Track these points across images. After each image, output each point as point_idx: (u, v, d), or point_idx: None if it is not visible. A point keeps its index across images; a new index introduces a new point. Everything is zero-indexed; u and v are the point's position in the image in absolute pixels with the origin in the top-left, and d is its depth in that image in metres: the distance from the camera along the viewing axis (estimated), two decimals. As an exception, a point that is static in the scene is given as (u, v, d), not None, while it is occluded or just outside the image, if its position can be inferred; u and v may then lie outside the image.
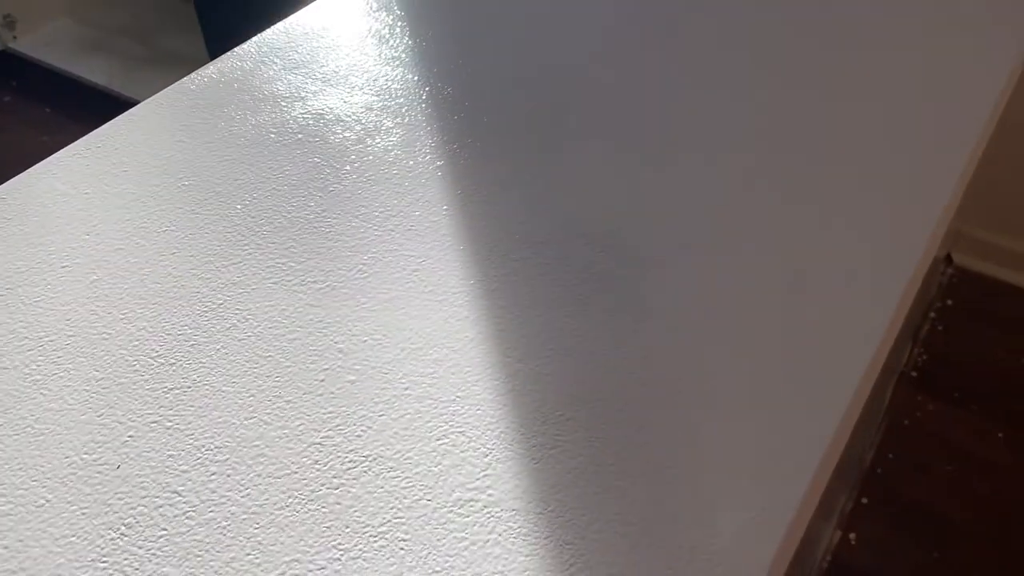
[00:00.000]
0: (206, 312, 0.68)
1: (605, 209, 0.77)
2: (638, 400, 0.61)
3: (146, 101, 0.90)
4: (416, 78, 0.94)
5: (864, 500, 1.80)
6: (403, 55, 0.98)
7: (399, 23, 1.03)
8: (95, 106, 2.70)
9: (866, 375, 0.64)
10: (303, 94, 0.92)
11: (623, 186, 0.79)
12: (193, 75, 0.94)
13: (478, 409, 0.61)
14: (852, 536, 1.75)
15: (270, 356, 0.65)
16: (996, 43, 0.98)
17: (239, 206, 0.78)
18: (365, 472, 0.57)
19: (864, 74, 0.94)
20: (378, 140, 0.85)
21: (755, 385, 0.62)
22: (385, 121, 0.88)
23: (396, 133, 0.86)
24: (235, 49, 0.99)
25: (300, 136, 0.86)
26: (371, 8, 1.06)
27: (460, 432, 0.60)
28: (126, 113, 0.89)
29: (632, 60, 0.97)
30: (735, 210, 0.77)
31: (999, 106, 0.92)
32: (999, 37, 1.00)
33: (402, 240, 0.74)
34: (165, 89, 0.91)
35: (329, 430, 0.60)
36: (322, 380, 0.63)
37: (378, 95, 0.92)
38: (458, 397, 0.62)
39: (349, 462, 0.58)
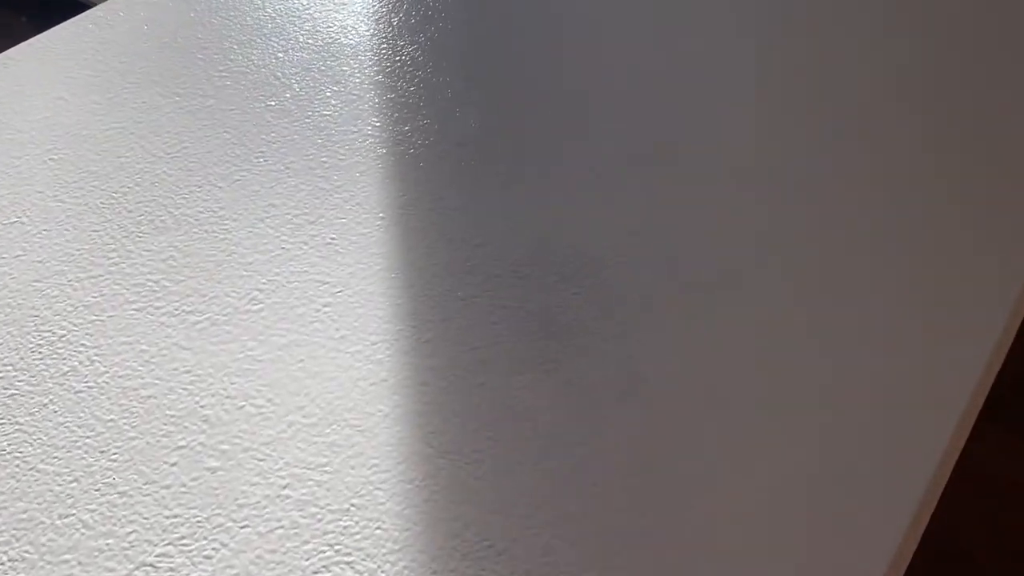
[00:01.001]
0: (39, 348, 0.51)
1: (586, 236, 0.58)
2: (621, 526, 0.44)
3: (23, 44, 0.71)
4: (370, 32, 0.75)
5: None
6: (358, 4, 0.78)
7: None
8: None
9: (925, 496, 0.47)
10: (225, 45, 0.73)
11: (613, 209, 0.61)
12: (87, 13, 0.74)
13: (378, 528, 0.44)
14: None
15: (110, 420, 0.48)
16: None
17: (116, 194, 0.60)
18: (205, 619, 0.41)
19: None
20: (310, 114, 0.67)
21: (791, 496, 0.45)
22: (325, 88, 0.69)
23: (335, 106, 0.67)
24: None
25: (212, 102, 0.67)
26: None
27: (348, 563, 0.43)
28: (-1, 56, 0.71)
29: (634, 67, 0.77)
30: (753, 247, 0.58)
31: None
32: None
33: (316, 258, 0.56)
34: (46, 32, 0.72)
35: (169, 544, 0.43)
36: (173, 464, 0.46)
37: (319, 53, 0.72)
38: (352, 507, 0.45)
39: (186, 600, 0.41)
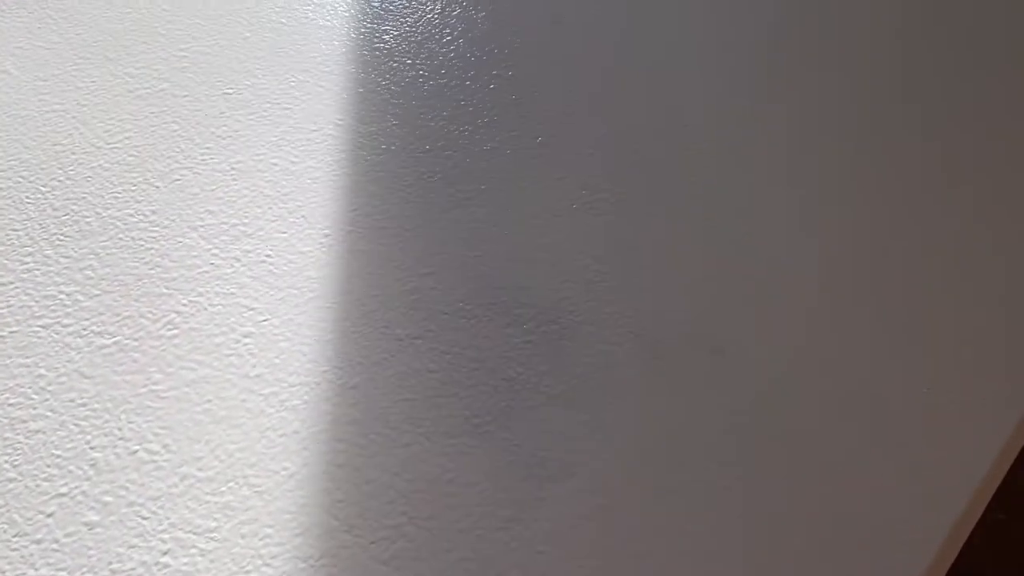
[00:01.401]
0: (-71, 364, 0.46)
1: (546, 277, 0.51)
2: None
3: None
4: (350, 13, 0.68)
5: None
6: (345, -24, 0.71)
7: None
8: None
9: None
10: (191, 21, 0.67)
11: (581, 252, 0.53)
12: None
13: (258, 615, 0.39)
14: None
15: (-10, 457, 0.43)
16: None
17: (44, 188, 0.55)
18: None
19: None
20: (268, 107, 0.60)
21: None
22: (290, 77, 0.62)
23: (297, 98, 0.61)
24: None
25: (165, 86, 0.62)
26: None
27: (218, 655, 0.37)
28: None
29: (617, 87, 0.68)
30: (735, 306, 0.51)
31: None
32: None
33: (247, 278, 0.50)
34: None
35: (28, 612, 0.38)
36: (49, 515, 0.41)
37: (290, 36, 0.66)
38: (235, 586, 0.39)
39: None
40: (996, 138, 0.60)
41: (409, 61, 0.64)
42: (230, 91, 0.61)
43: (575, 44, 0.67)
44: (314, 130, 0.59)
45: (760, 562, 0.40)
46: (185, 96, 0.61)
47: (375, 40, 0.65)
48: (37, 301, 0.49)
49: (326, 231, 0.53)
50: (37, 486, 0.42)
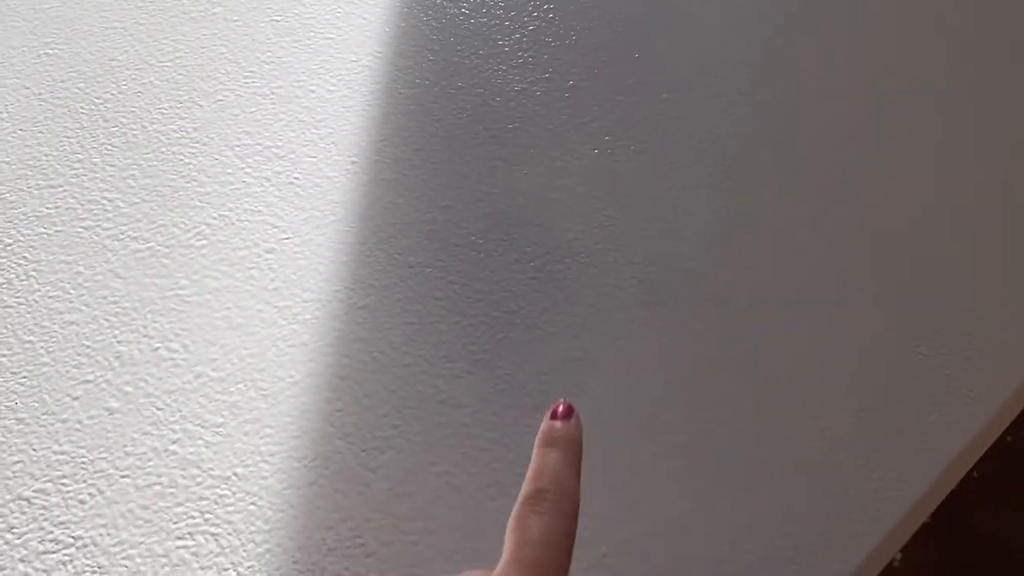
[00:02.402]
0: (-18, 254, 0.50)
1: (559, 219, 0.52)
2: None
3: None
4: (402, -51, 0.69)
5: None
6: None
7: None
8: None
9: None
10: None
11: (597, 198, 0.54)
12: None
13: (252, 504, 0.42)
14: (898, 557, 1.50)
15: (29, 342, 0.47)
16: None
17: (98, 100, 0.58)
18: None
19: None
20: (312, 35, 0.62)
21: None
22: (337, 6, 0.64)
23: (340, 29, 0.63)
24: None
25: (218, 9, 0.64)
26: None
27: (213, 535, 0.41)
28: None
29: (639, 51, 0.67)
30: (738, 262, 0.51)
31: None
32: None
33: (274, 198, 0.53)
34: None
35: (49, 480, 0.42)
36: (76, 398, 0.45)
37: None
38: (234, 476, 0.43)
39: None
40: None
41: (453, -2, 0.65)
42: (278, 18, 0.63)
43: (620, -9, 0.67)
44: (353, 60, 0.60)
45: (737, 506, 0.42)
46: (236, 20, 0.63)
47: None
48: (82, 204, 0.53)
49: (353, 158, 0.55)
50: (67, 372, 0.46)
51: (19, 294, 0.49)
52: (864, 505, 0.42)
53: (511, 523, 0.27)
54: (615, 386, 0.45)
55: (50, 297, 0.49)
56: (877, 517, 0.41)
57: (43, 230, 0.52)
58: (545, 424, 0.31)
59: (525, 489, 0.28)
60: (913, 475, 0.43)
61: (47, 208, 0.53)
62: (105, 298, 0.49)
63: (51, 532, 0.41)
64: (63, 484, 0.42)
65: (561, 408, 0.31)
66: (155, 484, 0.42)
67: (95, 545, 0.40)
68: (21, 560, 0.39)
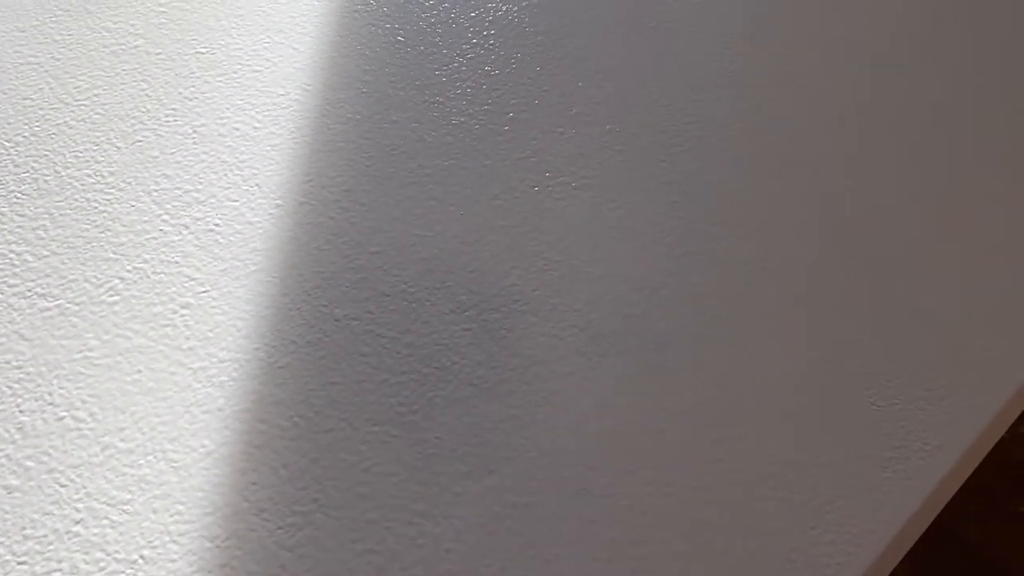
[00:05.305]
0: None
1: (497, 264, 0.50)
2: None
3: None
4: (336, -28, 0.66)
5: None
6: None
7: None
8: None
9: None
10: (172, -26, 0.65)
11: (538, 239, 0.51)
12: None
13: None
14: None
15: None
16: None
17: (8, 143, 0.55)
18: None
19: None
20: (239, 68, 0.59)
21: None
22: (265, 37, 0.61)
23: (268, 60, 0.60)
24: None
25: (140, 43, 0.61)
26: None
27: None
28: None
29: (607, 69, 0.65)
30: (692, 309, 0.49)
31: None
32: None
33: (193, 247, 0.50)
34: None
35: (-59, 571, 0.39)
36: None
37: (271, -7, 0.64)
38: (140, 559, 0.40)
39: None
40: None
41: (388, 25, 0.62)
42: (203, 50, 0.60)
43: (560, 18, 0.64)
44: (281, 94, 0.57)
45: (700, 551, 0.39)
46: (159, 54, 0.60)
47: (357, 1, 0.64)
48: None
49: (278, 201, 0.52)
50: None
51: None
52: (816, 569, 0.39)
53: None
54: (550, 446, 0.43)
55: (-51, 363, 0.46)
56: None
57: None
58: None
59: None
60: (868, 534, 0.40)
61: (-50, 264, 0.49)
62: (8, 363, 0.46)
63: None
64: (-45, 574, 0.39)
65: None
66: (55, 571, 0.39)
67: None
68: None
